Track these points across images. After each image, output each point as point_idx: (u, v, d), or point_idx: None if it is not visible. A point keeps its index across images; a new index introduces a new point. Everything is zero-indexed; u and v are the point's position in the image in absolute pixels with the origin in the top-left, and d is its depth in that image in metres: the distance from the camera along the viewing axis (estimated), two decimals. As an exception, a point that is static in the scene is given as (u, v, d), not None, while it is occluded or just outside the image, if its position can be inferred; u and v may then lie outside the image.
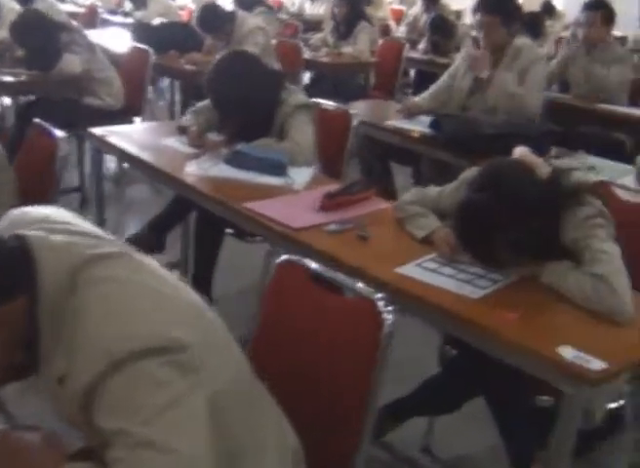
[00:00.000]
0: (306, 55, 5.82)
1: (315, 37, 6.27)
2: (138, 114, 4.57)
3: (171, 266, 3.39)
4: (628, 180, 2.94)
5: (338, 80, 5.78)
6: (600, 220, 1.81)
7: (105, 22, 7.13)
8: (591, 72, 4.53)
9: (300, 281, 1.59)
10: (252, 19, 5.19)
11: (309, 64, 5.80)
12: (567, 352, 1.53)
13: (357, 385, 1.45)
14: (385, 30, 7.83)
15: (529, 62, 3.51)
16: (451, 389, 2.08)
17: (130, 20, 6.92)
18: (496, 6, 3.49)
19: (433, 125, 3.30)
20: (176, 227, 3.32)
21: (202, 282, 3.09)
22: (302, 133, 2.87)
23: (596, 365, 1.49)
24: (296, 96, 2.95)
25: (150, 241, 3.22)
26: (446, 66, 4.05)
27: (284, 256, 1.64)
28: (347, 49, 5.84)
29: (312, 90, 6.20)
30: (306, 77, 6.33)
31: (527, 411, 1.91)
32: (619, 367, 1.51)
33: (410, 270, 1.92)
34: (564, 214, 1.84)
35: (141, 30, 5.44)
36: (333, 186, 2.47)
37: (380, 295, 1.45)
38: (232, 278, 3.34)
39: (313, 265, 1.59)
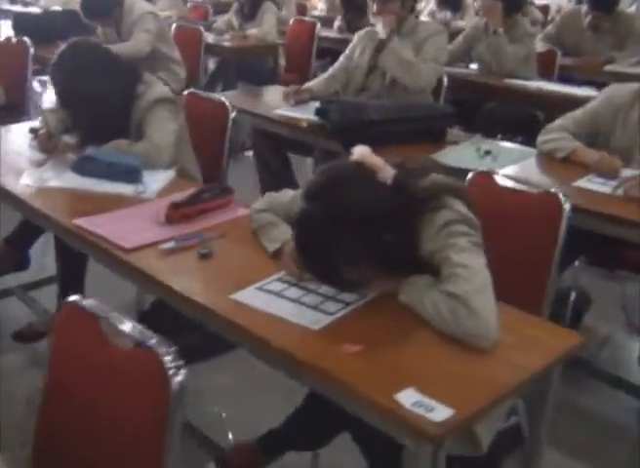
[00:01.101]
0: (211, 39, 5.47)
1: (220, 20, 5.90)
2: (22, 112, 4.18)
3: (44, 283, 3.09)
4: (529, 163, 2.71)
5: (244, 65, 5.44)
6: (461, 227, 1.54)
7: (6, 13, 6.63)
8: (495, 49, 4.32)
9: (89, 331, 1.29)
10: (141, 4, 4.79)
11: (212, 49, 5.44)
12: (408, 397, 1.25)
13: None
14: (302, 10, 7.49)
15: (426, 35, 3.37)
16: (312, 425, 1.81)
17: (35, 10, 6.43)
18: None
19: (319, 112, 3.00)
20: (38, 239, 2.97)
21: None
22: (161, 131, 2.54)
23: (440, 414, 1.21)
24: (155, 89, 2.62)
25: (9, 258, 2.88)
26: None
27: (72, 298, 1.34)
28: (252, 31, 5.50)
29: (216, 77, 5.89)
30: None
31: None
32: (470, 412, 1.24)
33: (248, 295, 1.63)
34: (421, 222, 1.56)
35: (22, 20, 5.00)
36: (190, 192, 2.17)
37: (170, 349, 1.16)
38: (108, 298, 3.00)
39: (102, 313, 1.28)
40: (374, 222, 1.47)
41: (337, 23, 6.34)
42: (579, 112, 2.74)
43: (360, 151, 1.52)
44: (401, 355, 1.39)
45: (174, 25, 5.36)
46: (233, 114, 2.90)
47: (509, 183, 2.10)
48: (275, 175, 3.55)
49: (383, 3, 3.35)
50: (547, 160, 2.70)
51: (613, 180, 2.42)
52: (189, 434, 2.32)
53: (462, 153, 2.74)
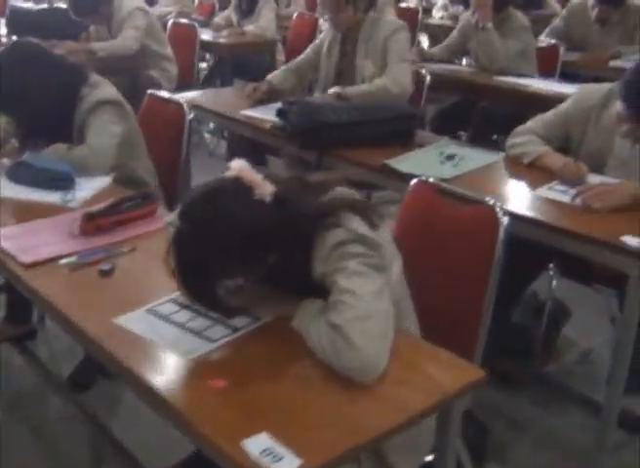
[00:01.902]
0: (208, 36, 5.38)
1: (219, 16, 5.80)
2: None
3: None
4: (493, 169, 2.54)
5: (241, 61, 5.33)
6: (355, 248, 1.40)
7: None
8: (486, 45, 4.12)
9: None
10: (131, 1, 4.71)
11: (208, 47, 5.35)
12: (257, 444, 1.12)
13: None
14: (312, 5, 7.36)
15: (386, 35, 3.17)
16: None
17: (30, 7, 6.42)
18: None
19: (280, 114, 2.87)
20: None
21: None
22: (101, 134, 2.44)
23: (286, 464, 1.09)
24: (99, 91, 2.52)
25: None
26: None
27: None
28: (250, 27, 5.39)
29: (214, 74, 5.79)
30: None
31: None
32: (322, 462, 1.11)
33: (133, 319, 1.51)
34: (313, 241, 1.43)
35: (17, 18, 4.96)
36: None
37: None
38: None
39: None
40: (250, 242, 1.34)
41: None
42: (549, 114, 2.57)
43: (237, 166, 1.39)
44: (268, 392, 1.26)
45: (169, 22, 5.28)
46: (191, 116, 2.80)
47: (451, 193, 1.95)
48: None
49: (335, 13, 3.18)
50: (513, 165, 2.53)
51: (575, 188, 2.25)
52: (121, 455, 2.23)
53: (423, 158, 2.59)
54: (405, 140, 2.77)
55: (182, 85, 4.85)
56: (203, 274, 1.35)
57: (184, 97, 3.23)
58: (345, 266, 1.38)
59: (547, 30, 4.98)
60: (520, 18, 4.19)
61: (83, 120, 2.48)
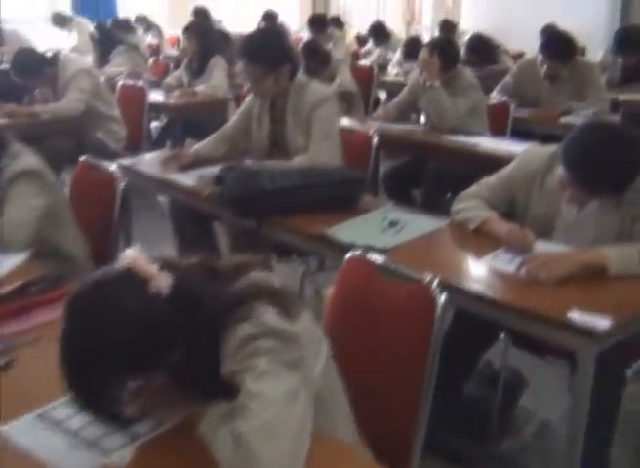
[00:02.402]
0: (159, 96, 5.30)
1: (170, 76, 5.72)
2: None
3: None
4: (437, 236, 2.42)
5: (192, 120, 5.24)
6: (266, 343, 1.25)
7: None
8: (434, 104, 4.09)
9: None
10: (76, 62, 4.62)
11: (158, 107, 5.26)
12: None
13: None
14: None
15: (311, 107, 2.96)
16: None
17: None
18: (256, 54, 2.95)
19: (219, 180, 2.75)
20: None
21: None
22: (20, 207, 2.31)
23: None
24: (20, 160, 2.38)
25: None
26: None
27: None
28: (200, 87, 5.31)
29: (166, 134, 5.70)
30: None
31: None
32: None
33: (21, 427, 1.34)
34: (222, 336, 1.29)
35: (-42, 80, 4.83)
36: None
37: None
38: None
39: None
40: (145, 339, 1.19)
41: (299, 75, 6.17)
42: (493, 178, 2.48)
43: (130, 255, 1.25)
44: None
45: (119, 83, 5.19)
46: (122, 185, 2.67)
47: (387, 269, 1.82)
48: (191, 244, 3.28)
49: (256, 83, 3.02)
50: (459, 232, 2.43)
51: (521, 257, 2.13)
52: None
53: (365, 225, 2.47)
54: (349, 206, 2.66)
55: (132, 146, 4.74)
56: (89, 376, 1.19)
57: (120, 162, 3.09)
58: (255, 365, 1.23)
59: (498, 87, 4.98)
60: (468, 75, 4.17)
61: (2, 192, 2.33)
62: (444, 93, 4.02)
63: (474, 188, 2.50)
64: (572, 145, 2.13)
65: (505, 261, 2.15)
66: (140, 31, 8.98)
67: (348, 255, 1.90)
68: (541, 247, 2.21)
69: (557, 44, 4.64)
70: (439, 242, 2.39)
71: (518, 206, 2.42)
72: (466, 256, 2.25)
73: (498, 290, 2.01)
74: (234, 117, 3.36)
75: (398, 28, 11.17)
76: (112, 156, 3.81)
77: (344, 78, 5.78)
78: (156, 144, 5.41)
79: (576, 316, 1.79)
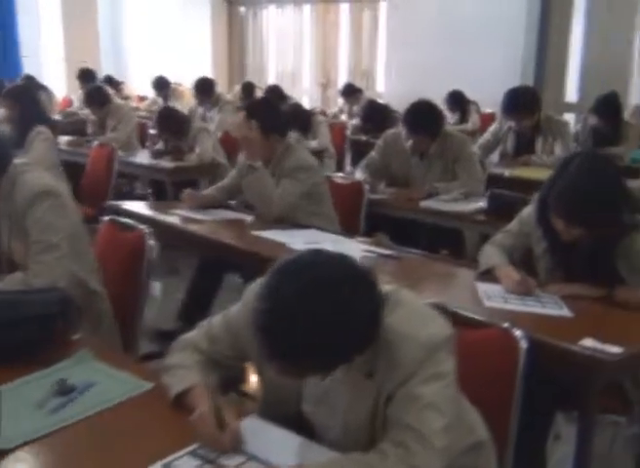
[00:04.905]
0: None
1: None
2: None
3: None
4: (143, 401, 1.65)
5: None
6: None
7: None
8: (256, 190, 3.44)
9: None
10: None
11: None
12: None
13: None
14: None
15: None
16: None
17: None
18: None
19: None
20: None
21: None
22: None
23: None
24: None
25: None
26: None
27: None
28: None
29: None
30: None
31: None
32: None
33: None
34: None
35: None
36: None
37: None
38: None
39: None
40: None
41: (157, 146, 5.48)
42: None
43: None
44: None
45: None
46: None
47: None
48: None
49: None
50: (161, 397, 1.66)
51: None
52: None
53: (26, 393, 1.68)
54: (35, 355, 1.87)
55: None
56: None
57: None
58: None
59: (362, 163, 4.32)
60: (300, 157, 3.45)
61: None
62: (267, 173, 3.33)
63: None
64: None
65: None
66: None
67: None
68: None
69: (419, 116, 4.00)
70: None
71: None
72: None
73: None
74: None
75: (313, 90, 10.66)
76: None
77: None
78: None
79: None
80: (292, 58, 10.78)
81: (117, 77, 10.04)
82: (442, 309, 1.88)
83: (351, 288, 1.36)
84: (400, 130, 4.20)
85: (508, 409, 1.73)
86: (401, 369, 1.43)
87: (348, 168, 6.23)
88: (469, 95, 7.58)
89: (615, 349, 1.81)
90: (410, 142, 4.05)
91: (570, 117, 7.36)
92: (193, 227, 3.25)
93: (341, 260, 1.41)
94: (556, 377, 1.93)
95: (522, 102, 4.72)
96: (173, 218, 3.35)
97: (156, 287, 4.11)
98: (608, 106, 5.44)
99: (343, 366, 1.46)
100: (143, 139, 6.27)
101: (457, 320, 1.84)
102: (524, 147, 4.92)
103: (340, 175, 4.42)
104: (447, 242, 4.04)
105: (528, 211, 2.53)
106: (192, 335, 1.76)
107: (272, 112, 3.40)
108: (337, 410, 1.57)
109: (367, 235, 3.74)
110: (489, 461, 1.67)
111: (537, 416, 2.04)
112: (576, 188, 2.20)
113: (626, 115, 6.17)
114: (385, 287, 1.53)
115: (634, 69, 7.63)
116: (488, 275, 2.42)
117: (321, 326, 1.33)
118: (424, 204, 3.76)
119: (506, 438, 1.73)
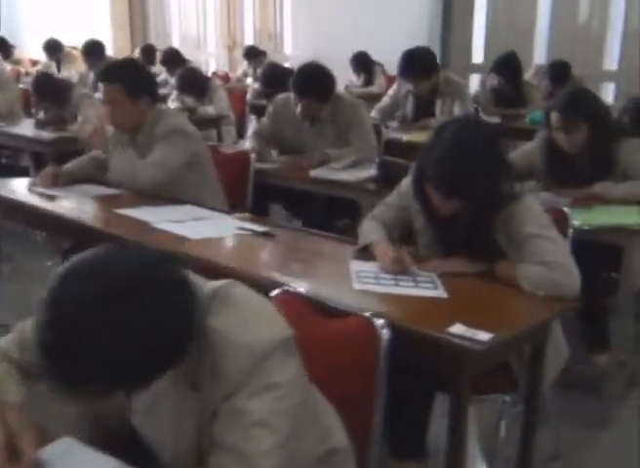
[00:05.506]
0: None
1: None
2: None
3: None
4: None
5: None
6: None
7: None
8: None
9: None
10: None
11: None
12: None
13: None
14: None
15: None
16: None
17: None
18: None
19: None
20: None
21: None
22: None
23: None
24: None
25: None
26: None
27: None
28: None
29: None
30: None
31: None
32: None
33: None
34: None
35: None
36: None
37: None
38: None
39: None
40: None
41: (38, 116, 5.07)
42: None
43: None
44: None
45: None
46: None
47: None
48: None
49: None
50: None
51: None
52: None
53: None
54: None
55: None
56: None
57: None
58: None
59: (252, 130, 4.07)
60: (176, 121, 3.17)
61: None
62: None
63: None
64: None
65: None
66: None
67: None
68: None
69: (308, 79, 3.77)
70: None
71: None
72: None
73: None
74: None
75: (219, 53, 10.27)
76: None
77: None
78: None
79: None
80: (195, 19, 10.34)
81: (11, 40, 9.40)
82: (296, 296, 1.70)
83: (149, 295, 1.13)
84: (291, 94, 3.97)
85: (370, 405, 1.57)
86: (226, 380, 1.22)
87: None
88: (376, 57, 7.42)
89: (484, 336, 1.65)
90: (299, 107, 3.82)
91: (477, 78, 7.30)
92: (45, 206, 2.85)
93: (142, 260, 1.18)
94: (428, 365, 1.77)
95: (418, 64, 4.55)
96: (22, 196, 3.02)
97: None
98: (508, 66, 5.37)
99: (168, 375, 1.25)
100: (30, 108, 5.84)
101: (314, 309, 1.67)
102: (423, 111, 4.78)
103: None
104: (343, 212, 3.87)
105: (406, 182, 2.33)
106: (4, 341, 1.51)
107: (137, 73, 3.10)
108: (164, 426, 1.36)
109: (259, 208, 3.55)
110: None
111: (416, 400, 1.91)
112: (447, 157, 2.02)
113: (528, 75, 6.13)
114: (214, 283, 1.32)
115: (539, 30, 7.60)
116: (366, 252, 2.24)
117: (105, 345, 1.10)
118: (314, 173, 3.56)
119: (368, 437, 1.60)
